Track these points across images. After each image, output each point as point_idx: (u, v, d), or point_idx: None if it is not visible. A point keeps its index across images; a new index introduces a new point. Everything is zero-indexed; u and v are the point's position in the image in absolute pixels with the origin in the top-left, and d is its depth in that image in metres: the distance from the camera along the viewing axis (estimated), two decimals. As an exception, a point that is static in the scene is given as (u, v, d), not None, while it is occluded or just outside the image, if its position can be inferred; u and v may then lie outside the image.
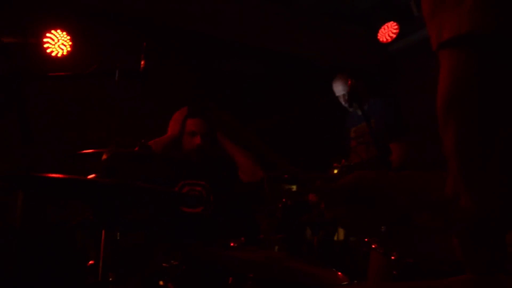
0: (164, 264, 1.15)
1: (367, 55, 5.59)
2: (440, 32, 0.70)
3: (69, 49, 4.09)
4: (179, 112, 2.84)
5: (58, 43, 4.06)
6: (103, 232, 1.18)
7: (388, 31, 4.91)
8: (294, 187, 3.93)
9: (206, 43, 4.75)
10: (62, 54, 4.07)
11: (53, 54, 4.06)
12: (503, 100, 0.68)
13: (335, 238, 3.34)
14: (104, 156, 1.23)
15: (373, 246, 1.43)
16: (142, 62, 1.47)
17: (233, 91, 4.73)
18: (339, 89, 3.84)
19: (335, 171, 3.56)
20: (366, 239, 1.44)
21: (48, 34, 4.02)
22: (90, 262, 1.43)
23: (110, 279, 1.21)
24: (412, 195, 0.89)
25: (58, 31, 4.04)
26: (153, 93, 1.61)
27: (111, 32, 4.34)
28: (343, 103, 3.87)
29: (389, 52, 5.60)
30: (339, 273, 1.21)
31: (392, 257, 1.30)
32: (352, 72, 3.92)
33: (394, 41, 4.94)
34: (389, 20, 4.85)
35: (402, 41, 5.23)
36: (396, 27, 4.87)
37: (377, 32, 4.90)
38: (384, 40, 4.94)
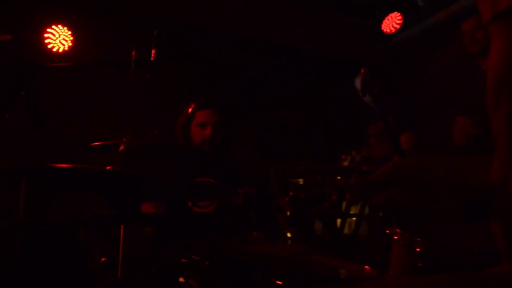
0: (183, 260, 1.12)
1: (371, 46, 5.54)
2: (496, 2, 0.65)
3: (70, 44, 4.05)
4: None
5: (59, 38, 4.03)
6: (121, 226, 1.14)
7: (392, 22, 4.87)
8: (301, 181, 3.90)
9: (210, 37, 4.71)
10: (64, 50, 4.04)
11: (54, 49, 4.02)
12: None
13: (345, 231, 3.32)
14: (122, 147, 1.18)
15: (395, 237, 1.39)
16: (153, 51, 1.42)
17: (238, 85, 4.69)
18: (357, 85, 3.83)
19: (345, 163, 3.54)
20: (387, 231, 1.40)
21: (49, 30, 3.98)
22: (103, 259, 1.39)
23: (125, 275, 1.16)
24: (450, 182, 0.84)
25: (59, 26, 4.00)
26: (161, 84, 1.57)
27: (113, 27, 4.29)
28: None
29: (393, 43, 5.54)
30: (367, 266, 1.16)
31: (418, 249, 1.26)
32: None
33: (398, 32, 4.90)
34: (393, 11, 4.80)
35: (406, 32, 5.18)
36: (400, 17, 4.83)
37: (381, 23, 4.85)
38: (388, 31, 4.90)
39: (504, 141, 0.68)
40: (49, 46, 4.03)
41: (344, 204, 3.26)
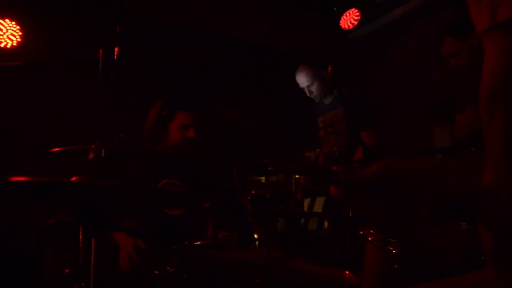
0: (156, 272, 1.06)
1: (330, 42, 5.58)
2: (494, 13, 0.65)
3: (19, 39, 3.86)
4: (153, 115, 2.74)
5: (7, 33, 3.82)
6: (92, 239, 1.07)
7: (350, 18, 4.91)
8: (263, 179, 3.89)
9: (166, 32, 4.61)
10: (12, 45, 3.84)
11: (2, 45, 3.82)
12: None
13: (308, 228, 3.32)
14: (91, 155, 1.11)
15: (369, 239, 1.38)
16: (116, 49, 1.35)
17: (195, 81, 4.61)
18: (302, 81, 3.80)
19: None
20: (361, 232, 1.39)
21: (-5, 24, 3.78)
22: (66, 270, 1.31)
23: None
24: (442, 186, 0.84)
25: (7, 20, 3.80)
26: (125, 84, 1.51)
27: (65, 22, 4.12)
28: (307, 94, 3.82)
29: (351, 39, 5.61)
30: (347, 272, 1.14)
31: (394, 251, 1.25)
32: (315, 61, 3.89)
33: (355, 28, 4.95)
34: (350, 7, 4.85)
35: (363, 28, 5.25)
36: (357, 14, 4.87)
37: (339, 19, 4.89)
38: (346, 27, 4.94)
39: (497, 150, 0.68)
40: (-5, 41, 3.83)
41: (307, 203, 3.26)
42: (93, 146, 1.13)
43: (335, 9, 4.95)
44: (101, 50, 1.32)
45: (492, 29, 0.65)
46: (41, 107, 3.93)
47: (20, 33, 3.86)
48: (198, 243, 1.50)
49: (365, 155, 2.52)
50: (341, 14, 4.90)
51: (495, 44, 0.66)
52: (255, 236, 2.00)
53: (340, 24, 4.92)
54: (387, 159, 3.70)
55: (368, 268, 1.43)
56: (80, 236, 1.19)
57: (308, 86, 3.77)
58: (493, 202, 0.70)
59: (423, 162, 0.88)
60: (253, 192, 3.06)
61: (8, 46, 3.83)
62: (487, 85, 0.67)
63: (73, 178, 1.05)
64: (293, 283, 1.04)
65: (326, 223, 3.36)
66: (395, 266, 1.26)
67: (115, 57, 1.34)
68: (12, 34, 3.85)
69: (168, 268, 1.03)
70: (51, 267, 3.26)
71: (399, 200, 0.87)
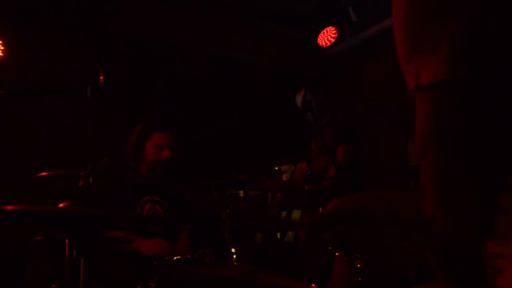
0: (138, 287, 1.14)
1: (307, 58, 5.72)
2: (418, 77, 0.76)
3: (0, 54, 3.89)
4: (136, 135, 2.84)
5: (-11, 48, 3.85)
6: (81, 259, 1.15)
7: (327, 36, 5.07)
8: (241, 193, 3.98)
9: (146, 48, 4.68)
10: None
11: (-17, 60, 3.84)
12: (474, 138, 0.76)
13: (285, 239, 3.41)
14: (81, 182, 1.19)
15: (336, 254, 1.49)
16: (101, 78, 1.43)
17: (175, 96, 4.68)
18: (298, 102, 3.99)
19: (285, 177, 3.65)
20: (329, 247, 1.49)
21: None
22: (53, 286, 1.38)
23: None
24: (390, 215, 0.96)
25: (-11, 35, 3.83)
26: (109, 110, 1.57)
27: (46, 36, 4.16)
28: (306, 112, 3.97)
29: (328, 56, 5.75)
30: (313, 285, 1.24)
31: (358, 265, 1.36)
32: (311, 86, 4.07)
33: (332, 45, 5.11)
34: (328, 25, 5.00)
35: (340, 45, 5.40)
36: (334, 31, 5.03)
37: (317, 36, 5.04)
38: (324, 44, 5.10)
39: (429, 186, 0.80)
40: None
41: (283, 215, 3.36)
42: (82, 174, 1.21)
43: (313, 26, 5.11)
44: (89, 86, 1.40)
45: (418, 89, 0.77)
46: (28, 133, 3.94)
47: (2, 48, 3.90)
48: (177, 257, 1.59)
49: (337, 172, 2.65)
50: (319, 32, 5.05)
51: (421, 101, 0.77)
52: (232, 250, 2.09)
53: (318, 41, 5.08)
54: (360, 175, 3.84)
55: (335, 280, 1.55)
56: (67, 252, 1.26)
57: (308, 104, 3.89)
58: (430, 229, 0.82)
59: (375, 195, 1.01)
60: (231, 206, 3.14)
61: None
62: (417, 135, 0.78)
63: (61, 205, 1.13)
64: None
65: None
66: (359, 279, 1.38)
67: (100, 85, 1.42)
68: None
69: (149, 283, 1.12)
70: (31, 279, 3.29)
71: (356, 229, 1.00)
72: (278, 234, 2.94)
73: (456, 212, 0.80)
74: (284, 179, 3.60)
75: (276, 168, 4.24)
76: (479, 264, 0.82)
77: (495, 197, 0.80)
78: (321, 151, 3.93)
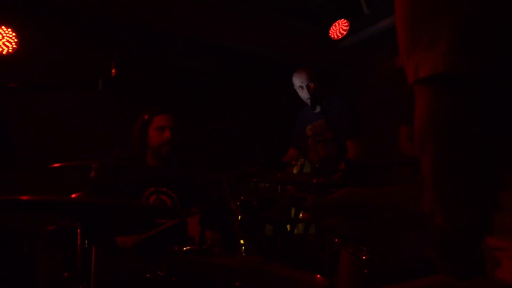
0: (148, 275, 1.18)
1: (319, 51, 5.71)
2: (417, 70, 0.77)
3: (15, 46, 3.93)
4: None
5: (2, 40, 3.89)
6: (93, 248, 1.18)
7: (339, 28, 5.04)
8: (252, 185, 3.99)
9: (157, 40, 4.70)
10: (8, 52, 3.91)
11: (-2, 52, 3.89)
12: (472, 132, 0.78)
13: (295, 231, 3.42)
14: (92, 173, 1.22)
15: (342, 246, 1.52)
16: (113, 71, 1.46)
17: (187, 89, 4.71)
18: (301, 80, 3.86)
19: (294, 169, 3.66)
20: (336, 240, 1.52)
21: (-9, 31, 3.84)
22: (65, 274, 1.42)
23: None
24: (396, 210, 0.99)
25: (3, 27, 3.87)
26: (121, 102, 1.61)
27: (59, 28, 4.20)
28: (301, 95, 3.89)
29: (340, 48, 5.74)
30: (318, 276, 1.27)
31: (363, 257, 1.38)
32: (312, 68, 3.99)
33: (344, 37, 5.08)
34: (340, 18, 4.98)
35: (352, 38, 5.38)
36: (346, 24, 5.00)
37: (328, 29, 5.02)
38: (335, 36, 5.07)
39: (428, 182, 0.82)
40: (-8, 48, 3.89)
41: (293, 210, 3.37)
42: (93, 165, 1.25)
43: (324, 19, 5.09)
44: (113, 71, 1.42)
45: (417, 83, 0.78)
46: (41, 126, 4.00)
47: (15, 40, 3.94)
48: (187, 248, 1.62)
49: (347, 166, 2.65)
50: (331, 24, 5.03)
51: (420, 94, 0.79)
52: (241, 242, 2.13)
53: (330, 34, 5.06)
54: (371, 169, 3.82)
55: (341, 272, 1.58)
56: (78, 241, 1.30)
57: (308, 86, 3.82)
58: (429, 224, 0.84)
59: (380, 190, 1.04)
60: (241, 198, 3.16)
61: (4, 52, 3.91)
62: (417, 128, 0.80)
63: (74, 195, 1.17)
64: (269, 285, 1.17)
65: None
66: (365, 271, 1.40)
67: (112, 78, 1.45)
68: (7, 41, 3.91)
69: (159, 272, 1.15)
70: (43, 270, 3.35)
71: (358, 219, 1.02)
72: (288, 227, 2.95)
73: (454, 208, 0.82)
74: (294, 171, 3.61)
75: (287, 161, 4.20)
76: (479, 257, 0.84)
77: (495, 193, 0.81)
78: (318, 140, 3.83)
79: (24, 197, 0.90)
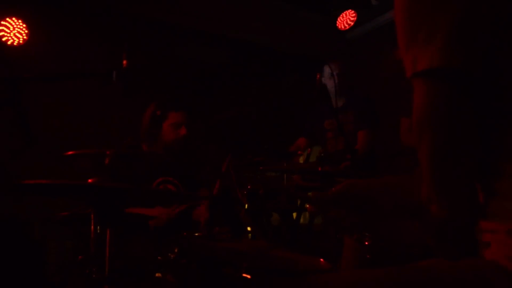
0: (159, 258, 1.23)
1: (326, 42, 5.72)
2: (415, 64, 0.82)
3: (25, 37, 3.97)
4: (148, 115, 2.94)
5: (13, 31, 3.94)
6: (107, 231, 1.24)
7: (346, 19, 5.05)
8: (258, 174, 4.04)
9: (165, 30, 4.74)
10: (18, 43, 3.95)
11: (9, 43, 3.93)
12: (467, 124, 0.82)
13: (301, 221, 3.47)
14: (107, 161, 1.27)
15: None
16: (125, 62, 1.50)
17: (193, 80, 4.75)
18: (334, 68, 3.89)
19: (300, 159, 3.70)
20: (335, 226, 1.56)
21: (3, 22, 3.89)
22: (80, 257, 1.48)
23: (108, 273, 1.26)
24: (395, 200, 1.03)
25: (13, 18, 3.91)
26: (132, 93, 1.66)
27: (67, 19, 4.24)
28: (328, 84, 3.90)
29: (347, 39, 5.74)
30: (322, 259, 1.31)
31: (366, 243, 1.43)
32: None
33: (351, 28, 5.09)
34: (347, 8, 4.99)
35: (359, 29, 5.38)
36: (354, 15, 5.01)
37: (335, 19, 5.03)
38: (343, 27, 5.08)
39: (426, 171, 0.86)
40: (3, 39, 3.93)
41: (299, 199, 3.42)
42: (107, 152, 1.30)
43: (332, 10, 5.10)
44: (125, 62, 1.46)
45: (415, 76, 0.82)
46: (56, 115, 4.06)
47: (26, 31, 3.98)
48: (196, 234, 1.68)
49: (352, 156, 2.69)
50: (338, 15, 5.04)
51: (418, 88, 0.82)
52: (248, 229, 2.18)
53: (337, 25, 5.07)
54: (380, 158, 3.83)
55: (345, 257, 1.63)
56: (92, 227, 1.36)
57: (338, 75, 3.84)
58: (427, 212, 0.88)
59: (382, 181, 1.09)
60: (248, 187, 3.21)
61: (15, 43, 3.95)
62: (414, 122, 0.83)
63: (90, 180, 1.22)
64: (275, 267, 1.23)
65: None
66: (367, 256, 1.45)
67: (123, 69, 1.50)
68: (18, 32, 3.96)
69: (169, 254, 1.20)
70: (54, 256, 3.42)
71: (360, 210, 1.07)
72: (294, 215, 3.00)
73: (449, 196, 0.86)
74: (300, 161, 3.64)
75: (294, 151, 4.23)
76: (473, 241, 0.89)
77: (489, 182, 0.85)
78: (337, 133, 3.88)
79: (45, 181, 0.95)
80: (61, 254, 3.43)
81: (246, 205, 2.53)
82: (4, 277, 3.14)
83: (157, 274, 1.24)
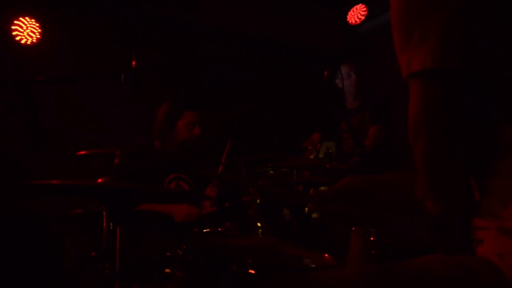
0: (168, 254, 1.27)
1: (337, 36, 5.71)
2: (409, 64, 0.84)
3: (38, 36, 4.02)
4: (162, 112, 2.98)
5: (27, 30, 3.99)
6: (117, 228, 1.28)
7: (357, 13, 5.03)
8: (270, 170, 4.07)
9: (177, 28, 4.77)
10: (32, 42, 4.01)
11: (22, 42, 3.99)
12: (461, 123, 0.84)
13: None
14: (116, 160, 1.31)
15: (352, 228, 1.59)
16: (134, 63, 1.54)
17: (205, 75, 4.78)
18: (350, 68, 4.03)
19: (311, 154, 3.72)
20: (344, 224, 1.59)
21: (16, 22, 3.94)
22: (92, 253, 1.53)
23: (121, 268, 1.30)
24: (394, 196, 1.06)
25: (27, 18, 3.96)
26: (141, 92, 1.69)
27: (80, 18, 4.30)
28: (346, 84, 3.94)
29: (358, 34, 5.72)
30: (326, 255, 1.34)
31: (372, 238, 1.45)
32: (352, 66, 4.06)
33: (362, 23, 5.07)
34: (358, 3, 4.97)
35: (370, 23, 5.35)
36: (364, 9, 4.99)
37: (346, 14, 5.02)
38: (353, 22, 5.06)
39: (420, 169, 0.88)
40: (17, 38, 3.98)
41: (311, 192, 3.44)
42: (117, 152, 1.33)
43: (342, 4, 5.08)
44: (134, 62, 1.50)
45: (410, 77, 0.84)
46: (68, 115, 4.12)
47: (39, 30, 4.04)
48: (206, 230, 1.71)
49: (361, 152, 2.71)
50: (348, 10, 5.02)
51: (413, 88, 0.84)
52: (258, 224, 2.21)
53: (347, 19, 5.05)
54: (392, 154, 3.83)
55: (352, 252, 1.66)
56: (104, 223, 1.40)
57: (355, 73, 3.97)
58: (423, 209, 0.91)
59: (378, 177, 1.11)
60: (260, 182, 3.24)
61: (28, 42, 4.01)
62: (410, 121, 0.86)
63: (99, 180, 1.27)
64: (279, 263, 1.26)
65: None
66: (373, 251, 1.48)
67: (132, 70, 1.53)
68: (32, 31, 4.01)
69: (178, 250, 1.24)
70: (70, 251, 3.49)
71: (359, 205, 1.10)
72: (306, 209, 3.03)
73: (444, 194, 0.88)
74: (310, 157, 3.67)
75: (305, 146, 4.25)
76: (467, 238, 0.91)
77: (482, 180, 0.87)
78: (355, 132, 3.92)
79: (55, 181, 0.99)
80: (75, 250, 3.49)
81: (258, 201, 2.55)
82: (22, 271, 3.22)
83: (166, 270, 1.28)
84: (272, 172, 4.05)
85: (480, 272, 0.84)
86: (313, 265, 1.28)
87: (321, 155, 3.55)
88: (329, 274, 1.02)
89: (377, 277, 0.93)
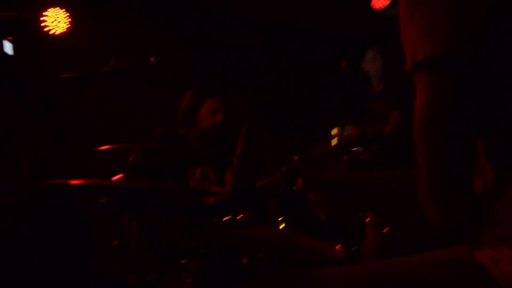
0: (184, 245, 1.32)
1: (362, 21, 5.63)
2: (414, 54, 0.82)
3: (68, 25, 4.09)
4: (186, 102, 3.01)
5: (55, 21, 4.06)
6: (133, 224, 1.33)
7: (381, -1, 4.95)
8: (296, 157, 4.06)
9: (198, 15, 4.78)
10: (60, 32, 4.08)
11: (51, 32, 4.06)
12: (467, 123, 0.81)
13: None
14: (131, 158, 1.36)
15: (366, 220, 1.62)
16: (152, 59, 1.58)
17: (229, 64, 4.80)
18: (377, 52, 4.06)
19: (334, 141, 3.71)
20: (360, 214, 1.61)
21: (45, 13, 4.01)
22: (114, 242, 1.59)
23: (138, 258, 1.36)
24: (386, 195, 1.06)
25: (57, 8, 4.03)
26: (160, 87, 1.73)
27: (106, 8, 4.34)
28: (371, 67, 3.99)
29: (383, 18, 5.62)
30: (337, 247, 1.37)
31: (384, 230, 1.48)
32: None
33: (387, 7, 4.98)
34: (382, -13, 4.88)
35: (395, 7, 5.25)
36: (389, -6, 4.90)
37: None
38: (378, 6, 4.98)
39: (423, 172, 0.85)
40: (46, 28, 4.05)
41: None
42: (135, 146, 1.38)
43: (367, -11, 5.00)
44: (152, 59, 1.53)
45: (415, 68, 0.82)
46: (89, 110, 4.18)
47: (69, 20, 4.10)
48: (225, 219, 1.75)
49: (380, 139, 2.68)
50: (373, -6, 4.94)
51: (420, 82, 0.82)
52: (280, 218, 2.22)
53: (372, 4, 4.98)
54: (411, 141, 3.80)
55: (366, 243, 1.68)
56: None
57: (381, 57, 3.98)
58: (422, 212, 0.88)
59: (377, 175, 1.12)
60: (283, 169, 3.24)
61: (57, 32, 4.08)
62: (416, 117, 0.82)
63: (114, 177, 1.32)
64: (290, 256, 1.29)
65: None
66: (386, 242, 1.50)
67: (151, 66, 1.57)
68: (62, 22, 4.08)
69: (192, 242, 1.29)
70: (100, 237, 3.60)
71: (346, 201, 1.10)
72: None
73: (445, 203, 0.86)
74: (333, 143, 3.65)
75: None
76: (469, 243, 0.91)
77: (482, 185, 0.86)
78: (376, 117, 3.88)
79: (72, 181, 1.05)
80: (106, 234, 3.60)
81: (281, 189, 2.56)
82: (54, 258, 3.35)
83: (182, 261, 1.32)
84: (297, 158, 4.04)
85: (472, 277, 0.84)
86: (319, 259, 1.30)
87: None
88: (327, 272, 1.03)
89: (370, 278, 0.93)
